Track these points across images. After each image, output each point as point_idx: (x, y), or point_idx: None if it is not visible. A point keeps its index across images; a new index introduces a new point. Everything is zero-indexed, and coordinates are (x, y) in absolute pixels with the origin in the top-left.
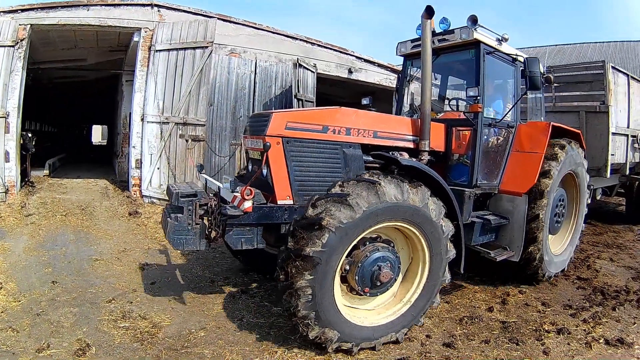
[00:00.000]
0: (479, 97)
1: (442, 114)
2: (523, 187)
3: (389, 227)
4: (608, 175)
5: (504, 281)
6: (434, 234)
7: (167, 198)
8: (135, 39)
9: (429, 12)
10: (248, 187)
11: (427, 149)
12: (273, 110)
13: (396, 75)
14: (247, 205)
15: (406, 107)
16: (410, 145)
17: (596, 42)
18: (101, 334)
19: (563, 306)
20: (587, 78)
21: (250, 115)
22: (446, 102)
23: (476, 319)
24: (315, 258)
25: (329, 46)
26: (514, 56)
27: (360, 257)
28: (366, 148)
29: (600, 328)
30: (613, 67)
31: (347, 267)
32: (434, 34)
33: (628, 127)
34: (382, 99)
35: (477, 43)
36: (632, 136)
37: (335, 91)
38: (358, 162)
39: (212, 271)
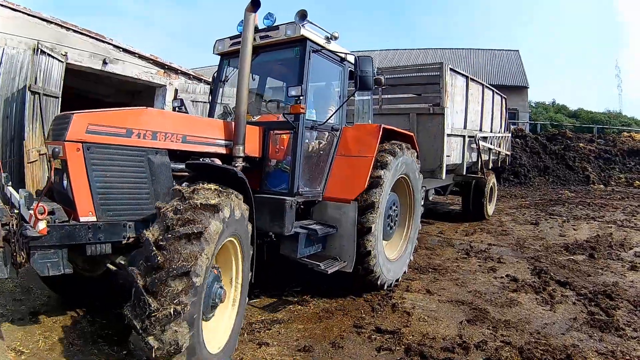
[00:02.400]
0: (301, 97)
1: (259, 116)
2: (351, 194)
3: None
4: (443, 176)
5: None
6: (246, 243)
7: None
8: None
9: (255, 5)
10: (41, 204)
11: (241, 154)
12: (75, 112)
13: (159, 70)
14: (41, 226)
15: (220, 110)
16: (223, 150)
17: (412, 49)
18: None
19: None
20: (421, 80)
21: (54, 118)
22: (263, 104)
23: None
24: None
25: (85, 32)
26: (343, 55)
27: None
28: (174, 154)
29: None
30: (451, 69)
31: None
32: (256, 30)
33: (465, 128)
34: (147, 97)
35: (303, 40)
36: (469, 137)
37: (98, 88)
38: (165, 171)
39: None
